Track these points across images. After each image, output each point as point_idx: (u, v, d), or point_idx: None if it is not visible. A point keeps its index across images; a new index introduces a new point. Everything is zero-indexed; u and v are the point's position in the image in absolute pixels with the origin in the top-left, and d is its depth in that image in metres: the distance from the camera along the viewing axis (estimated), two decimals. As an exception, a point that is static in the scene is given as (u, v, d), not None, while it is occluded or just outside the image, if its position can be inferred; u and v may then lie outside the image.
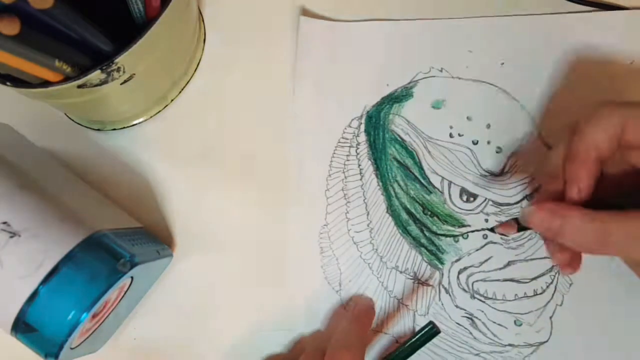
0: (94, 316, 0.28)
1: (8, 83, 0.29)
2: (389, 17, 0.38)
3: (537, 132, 0.36)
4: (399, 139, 0.36)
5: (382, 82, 0.37)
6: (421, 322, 0.34)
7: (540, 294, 0.34)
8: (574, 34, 0.37)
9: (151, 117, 0.37)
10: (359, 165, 0.36)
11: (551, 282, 0.35)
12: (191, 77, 0.38)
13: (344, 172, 0.36)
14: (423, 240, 0.35)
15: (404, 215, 0.36)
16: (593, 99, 0.37)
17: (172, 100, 0.38)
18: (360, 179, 0.36)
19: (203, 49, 0.39)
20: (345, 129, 0.37)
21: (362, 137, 0.37)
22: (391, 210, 0.36)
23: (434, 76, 0.37)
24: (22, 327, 0.26)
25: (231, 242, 0.36)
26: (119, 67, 0.29)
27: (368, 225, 0.36)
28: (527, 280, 0.35)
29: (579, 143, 0.26)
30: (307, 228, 0.36)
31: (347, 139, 0.37)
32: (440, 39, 0.38)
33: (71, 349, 0.28)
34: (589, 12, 0.38)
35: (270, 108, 0.38)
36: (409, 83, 0.37)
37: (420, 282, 0.35)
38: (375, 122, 0.37)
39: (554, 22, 0.38)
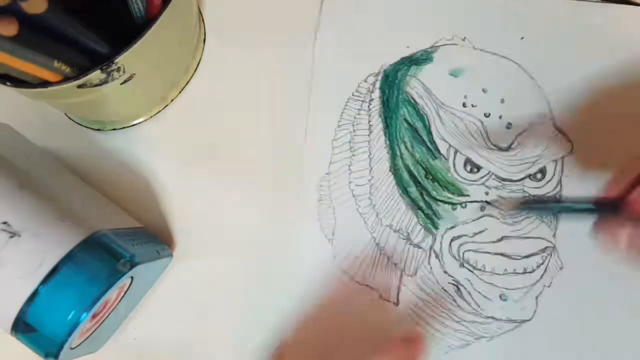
0: (94, 316, 0.28)
1: (8, 83, 0.28)
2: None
3: (550, 114, 0.36)
4: (412, 101, 0.37)
5: (403, 42, 0.37)
6: (407, 283, 0.35)
7: (530, 272, 0.34)
8: (605, 24, 0.37)
9: (151, 117, 0.37)
10: (369, 121, 0.37)
11: (542, 263, 0.35)
12: (191, 77, 0.38)
13: (353, 125, 0.36)
14: (421, 204, 0.36)
15: (406, 176, 0.36)
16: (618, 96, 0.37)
17: (172, 100, 0.37)
18: (369, 135, 0.36)
19: (203, 49, 0.39)
20: (361, 83, 0.37)
21: (376, 94, 0.37)
22: (394, 169, 0.36)
23: (455, 44, 0.37)
24: (22, 327, 0.26)
25: (231, 242, 0.36)
26: (119, 67, 0.29)
27: (369, 181, 0.36)
28: (519, 257, 0.35)
29: None
30: (309, 173, 0.36)
31: (361, 93, 0.37)
32: (469, 8, 0.38)
33: (71, 348, 0.27)
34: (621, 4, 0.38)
35: (270, 108, 0.38)
36: (430, 47, 0.37)
37: (412, 243, 0.35)
38: (391, 81, 0.37)
39: (586, 8, 0.38)
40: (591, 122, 0.36)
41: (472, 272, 0.35)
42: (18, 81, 0.29)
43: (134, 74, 0.31)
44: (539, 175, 0.36)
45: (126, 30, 0.29)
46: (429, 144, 0.36)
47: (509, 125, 0.36)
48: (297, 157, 0.36)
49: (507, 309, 0.34)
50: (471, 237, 0.35)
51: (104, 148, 0.38)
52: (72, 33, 0.28)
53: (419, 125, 0.36)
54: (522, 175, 0.36)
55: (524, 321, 0.34)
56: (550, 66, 0.37)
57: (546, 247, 0.35)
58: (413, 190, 0.36)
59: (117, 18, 0.30)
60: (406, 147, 0.36)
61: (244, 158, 0.37)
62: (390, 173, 0.36)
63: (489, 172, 0.36)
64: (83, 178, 0.37)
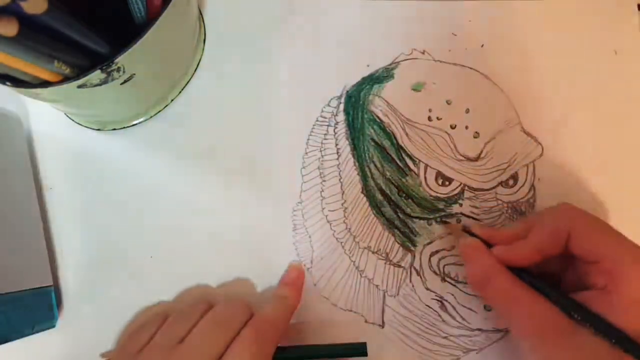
0: None
1: (8, 83, 0.28)
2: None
3: (517, 119, 0.36)
4: (377, 119, 0.36)
5: (363, 62, 0.37)
6: (391, 303, 0.35)
7: (511, 280, 0.34)
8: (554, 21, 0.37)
9: (151, 117, 0.37)
10: (337, 144, 0.36)
11: (523, 269, 0.35)
12: (191, 77, 0.38)
13: (320, 151, 0.36)
14: (397, 222, 0.35)
15: (379, 196, 0.36)
16: (576, 90, 0.37)
17: (172, 100, 0.37)
18: (337, 158, 0.36)
19: (203, 49, 0.38)
20: (324, 107, 0.37)
21: (341, 117, 0.37)
22: (366, 190, 0.36)
23: (416, 58, 0.37)
24: None
25: (233, 242, 0.36)
26: (119, 67, 0.29)
27: (342, 205, 0.36)
28: (499, 266, 0.35)
29: (528, 245, 0.30)
30: (281, 204, 0.36)
31: (325, 117, 0.37)
32: (424, 21, 0.38)
33: None
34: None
35: (270, 108, 0.37)
36: (391, 64, 0.37)
37: (391, 263, 0.35)
38: (355, 102, 0.37)
39: (537, 7, 0.38)
40: (560, 123, 0.36)
41: (455, 285, 0.35)
42: (18, 81, 0.28)
43: (134, 74, 0.31)
44: (511, 182, 0.36)
45: (126, 30, 0.29)
46: (398, 161, 0.36)
47: (476, 135, 0.36)
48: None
49: (493, 319, 0.34)
50: (450, 250, 0.35)
51: (104, 148, 0.37)
52: (72, 33, 0.28)
53: (386, 143, 0.36)
54: (494, 184, 0.36)
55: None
56: (513, 71, 0.37)
57: (526, 253, 0.35)
58: (387, 209, 0.36)
59: (117, 18, 0.30)
60: (376, 167, 0.36)
61: (244, 158, 0.37)
62: (363, 195, 0.36)
63: (461, 183, 0.35)
64: (83, 178, 0.37)
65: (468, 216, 0.35)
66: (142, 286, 0.35)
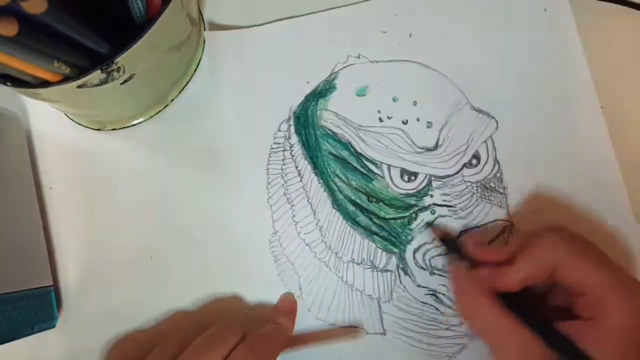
0: None
1: (8, 83, 0.28)
2: (295, 14, 0.38)
3: (465, 98, 0.37)
4: (330, 133, 0.36)
5: (302, 80, 0.37)
6: (387, 309, 0.35)
7: (498, 256, 0.35)
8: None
9: (151, 117, 0.37)
10: (297, 167, 0.36)
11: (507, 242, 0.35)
12: (191, 77, 0.38)
13: (282, 177, 0.36)
14: (374, 228, 0.35)
15: (351, 207, 0.36)
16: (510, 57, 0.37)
17: (172, 100, 0.37)
18: (300, 180, 0.36)
19: (203, 49, 0.38)
20: (276, 133, 0.37)
21: (294, 139, 0.36)
22: (337, 205, 0.36)
23: (352, 64, 0.37)
24: None
25: (233, 242, 0.36)
26: (119, 67, 0.29)
27: (317, 225, 0.36)
28: (483, 246, 0.35)
29: (514, 275, 0.29)
30: (257, 239, 0.35)
31: (279, 143, 0.36)
32: (351, 25, 0.38)
33: None
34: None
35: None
36: (330, 76, 0.37)
37: (378, 269, 0.35)
38: (304, 122, 0.37)
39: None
40: (506, 91, 0.37)
41: (444, 276, 0.35)
42: (18, 81, 0.28)
43: (134, 74, 0.31)
44: (474, 162, 0.36)
45: (126, 30, 0.29)
46: (361, 168, 0.36)
47: (429, 124, 0.36)
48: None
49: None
50: (431, 242, 0.35)
51: (104, 148, 0.37)
52: (72, 33, 0.28)
53: (345, 154, 0.36)
54: (458, 167, 0.36)
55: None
56: (447, 52, 0.37)
57: (505, 227, 0.35)
58: (362, 218, 0.35)
59: (117, 18, 0.30)
60: (341, 180, 0.36)
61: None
62: (335, 210, 0.36)
63: (426, 175, 0.36)
64: (83, 178, 0.37)
65: (441, 205, 0.35)
66: (142, 286, 0.35)
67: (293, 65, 0.37)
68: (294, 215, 0.36)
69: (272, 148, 0.36)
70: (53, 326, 0.35)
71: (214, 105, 0.37)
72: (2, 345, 0.30)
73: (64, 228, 0.36)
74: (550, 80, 0.37)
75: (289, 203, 0.36)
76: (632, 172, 0.35)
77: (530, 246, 0.29)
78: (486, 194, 0.35)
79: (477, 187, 0.35)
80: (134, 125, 0.37)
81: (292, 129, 0.37)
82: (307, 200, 0.36)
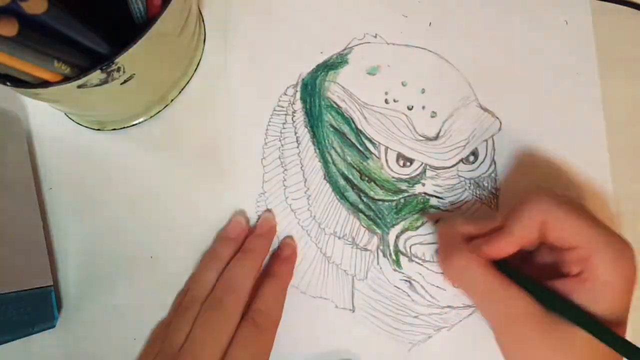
0: None
1: (8, 83, 0.28)
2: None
3: (473, 95, 0.37)
4: (334, 105, 0.36)
5: (316, 49, 0.37)
6: (360, 287, 0.35)
7: (478, 255, 0.35)
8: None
9: (151, 117, 0.37)
10: (296, 133, 0.36)
11: (488, 244, 0.35)
12: (191, 77, 0.38)
13: (280, 140, 0.36)
14: (361, 206, 0.35)
15: (342, 182, 0.36)
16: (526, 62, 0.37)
17: (172, 100, 0.37)
18: (297, 147, 0.36)
19: (203, 49, 0.38)
20: (281, 97, 0.37)
21: (298, 105, 0.37)
22: (328, 177, 0.36)
23: (368, 42, 0.37)
24: None
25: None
26: (119, 67, 0.29)
27: (305, 193, 0.36)
28: (465, 242, 0.35)
29: (506, 238, 0.29)
30: (244, 196, 0.36)
31: (282, 107, 0.37)
32: (374, 4, 0.38)
33: None
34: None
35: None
36: (344, 50, 0.37)
37: (358, 247, 0.35)
38: (311, 90, 0.37)
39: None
40: (516, 96, 0.37)
41: (422, 265, 0.35)
42: (18, 81, 0.28)
43: (134, 74, 0.31)
44: (471, 158, 0.36)
45: (126, 30, 0.29)
46: (358, 145, 0.36)
47: (433, 114, 0.36)
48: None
49: (462, 296, 0.34)
50: (415, 230, 0.35)
51: (104, 148, 0.37)
52: (72, 33, 0.28)
53: (345, 128, 0.36)
54: (455, 161, 0.36)
55: (480, 304, 0.34)
56: (463, 46, 0.37)
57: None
58: (351, 194, 0.36)
59: (117, 18, 0.30)
60: (337, 153, 0.36)
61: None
62: (325, 181, 0.36)
63: (422, 163, 0.36)
64: (83, 178, 0.37)
65: (431, 195, 0.35)
66: (142, 286, 0.35)
67: (310, 33, 0.37)
68: (285, 180, 0.36)
69: (275, 110, 0.37)
70: (53, 326, 0.35)
71: (214, 105, 0.37)
72: (2, 345, 0.30)
73: (64, 228, 0.36)
74: (560, 91, 0.37)
75: (282, 167, 0.36)
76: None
77: (518, 207, 0.29)
78: (478, 192, 0.35)
79: (470, 183, 0.35)
80: (134, 125, 0.37)
81: (298, 95, 0.37)
82: (301, 167, 0.36)
